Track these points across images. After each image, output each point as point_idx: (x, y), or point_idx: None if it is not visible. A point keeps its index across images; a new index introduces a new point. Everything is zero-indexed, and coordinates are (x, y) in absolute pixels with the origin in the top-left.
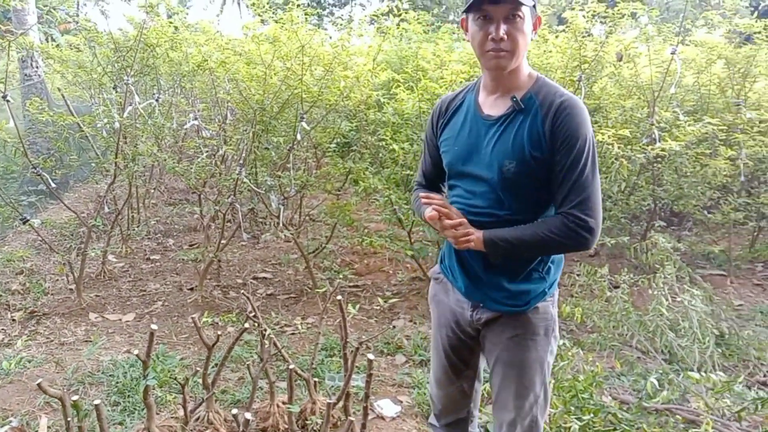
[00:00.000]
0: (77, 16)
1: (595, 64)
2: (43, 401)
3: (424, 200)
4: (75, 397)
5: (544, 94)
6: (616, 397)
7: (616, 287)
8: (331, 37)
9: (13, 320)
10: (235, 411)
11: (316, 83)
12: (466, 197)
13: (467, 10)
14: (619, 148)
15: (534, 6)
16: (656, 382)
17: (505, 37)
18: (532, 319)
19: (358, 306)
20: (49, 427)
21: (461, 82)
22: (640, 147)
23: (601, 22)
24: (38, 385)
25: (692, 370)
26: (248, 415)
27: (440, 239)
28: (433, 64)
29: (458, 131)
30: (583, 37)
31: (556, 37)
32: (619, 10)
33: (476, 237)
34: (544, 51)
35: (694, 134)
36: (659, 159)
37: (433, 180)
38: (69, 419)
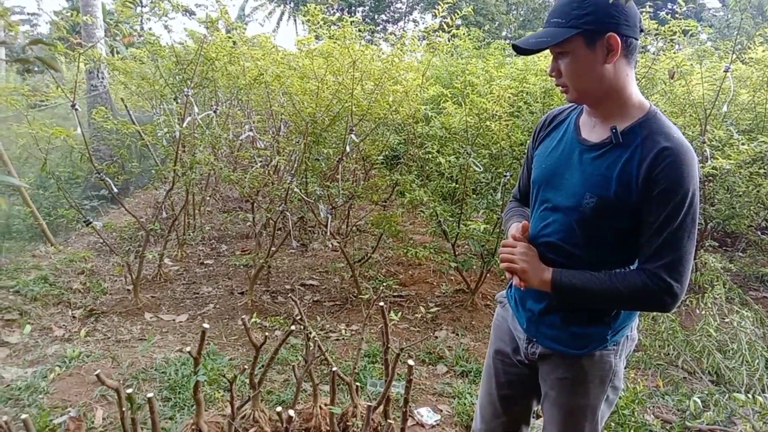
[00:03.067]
0: (141, 30)
1: (646, 82)
2: (99, 394)
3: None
4: (129, 391)
5: (650, 131)
6: (658, 415)
7: None
8: (383, 51)
9: (74, 317)
10: (279, 409)
11: (366, 97)
12: (537, 223)
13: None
14: None
15: (594, 30)
16: (700, 402)
17: (554, 73)
18: (585, 365)
19: (400, 314)
20: (104, 419)
21: (509, 97)
22: None
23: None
24: (97, 375)
25: (739, 392)
26: (291, 413)
27: (484, 252)
28: (483, 80)
29: (551, 149)
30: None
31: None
32: (669, 27)
33: (543, 278)
34: None
35: (748, 153)
36: (711, 178)
37: (528, 195)
38: (123, 410)
